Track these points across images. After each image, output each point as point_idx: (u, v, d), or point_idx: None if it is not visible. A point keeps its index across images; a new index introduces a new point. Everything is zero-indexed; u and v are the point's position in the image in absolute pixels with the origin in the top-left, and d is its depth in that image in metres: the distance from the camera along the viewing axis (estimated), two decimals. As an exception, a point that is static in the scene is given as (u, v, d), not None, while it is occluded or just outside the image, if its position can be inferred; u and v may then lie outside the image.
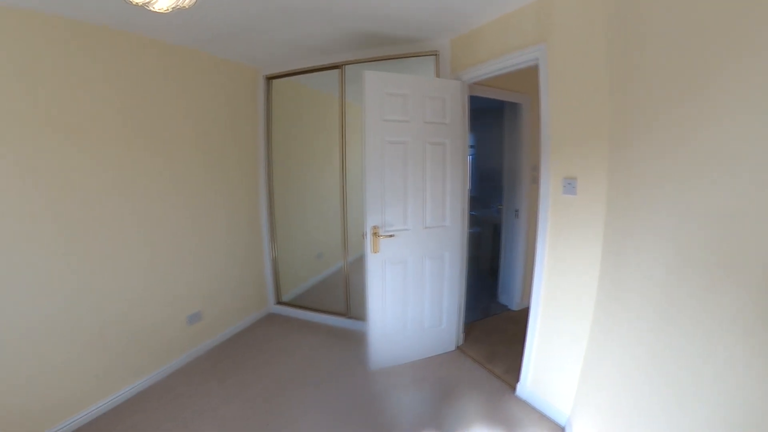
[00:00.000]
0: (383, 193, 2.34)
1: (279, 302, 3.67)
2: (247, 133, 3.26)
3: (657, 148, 1.24)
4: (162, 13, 1.28)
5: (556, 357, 2.02)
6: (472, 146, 5.88)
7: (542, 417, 2.07)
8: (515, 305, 3.46)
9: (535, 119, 3.25)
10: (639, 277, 1.33)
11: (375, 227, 2.34)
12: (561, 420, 1.98)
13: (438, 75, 2.67)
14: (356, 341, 2.95)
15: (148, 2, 1.21)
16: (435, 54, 2.70)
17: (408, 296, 2.54)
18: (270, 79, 3.36)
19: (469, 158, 6.02)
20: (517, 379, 2.30)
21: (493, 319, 3.32)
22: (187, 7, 1.30)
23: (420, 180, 2.42)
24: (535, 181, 3.30)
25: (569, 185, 1.79)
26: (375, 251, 2.36)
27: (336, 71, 3.01)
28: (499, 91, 3.06)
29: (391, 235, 2.36)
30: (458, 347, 2.84)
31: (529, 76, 3.27)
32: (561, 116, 1.85)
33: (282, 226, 3.60)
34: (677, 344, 1.12)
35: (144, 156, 2.35)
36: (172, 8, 1.26)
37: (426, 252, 2.51)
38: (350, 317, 3.25)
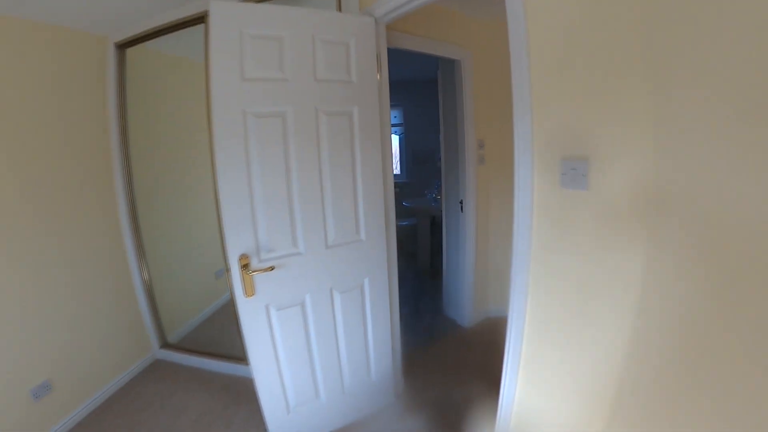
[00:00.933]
0: (252, 199, 1.42)
1: (165, 345, 2.69)
2: (95, 122, 2.25)
3: None
4: None
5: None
6: (399, 124, 5.07)
7: None
8: (466, 320, 2.75)
9: (479, 79, 2.48)
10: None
11: (244, 256, 1.43)
12: None
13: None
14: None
15: None
16: (334, -16, 1.79)
17: (314, 351, 1.68)
18: (122, 47, 2.29)
19: (397, 137, 5.29)
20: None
21: (440, 343, 2.59)
22: None
23: (313, 173, 1.52)
24: (482, 161, 2.56)
25: (573, 172, 0.98)
26: (249, 294, 1.45)
27: (201, 26, 2.04)
28: (429, 42, 2.23)
29: (270, 268, 1.45)
30: (398, 398, 2.06)
31: (469, 24, 2.51)
32: (551, 43, 1.01)
33: (156, 240, 2.59)
34: None
35: None
36: None
37: (334, 282, 1.65)
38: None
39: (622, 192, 0.88)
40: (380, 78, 1.68)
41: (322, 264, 1.58)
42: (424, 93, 4.62)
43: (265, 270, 1.44)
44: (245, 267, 1.43)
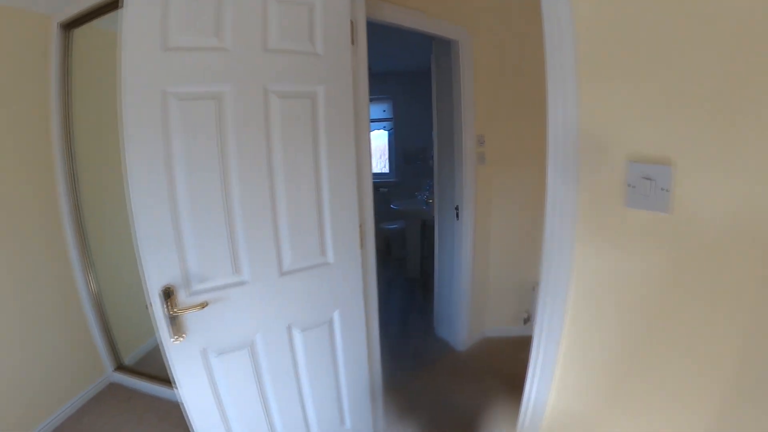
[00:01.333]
0: (176, 211, 1.04)
1: (120, 367, 2.34)
2: (34, 113, 1.91)
3: None
4: None
5: None
6: (388, 119, 4.68)
7: None
8: (461, 343, 2.41)
9: (479, 64, 2.12)
10: None
11: (169, 287, 1.05)
12: None
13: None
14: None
15: None
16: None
17: (271, 402, 1.31)
18: (68, 28, 1.92)
19: (386, 133, 4.90)
20: None
21: (431, 371, 2.24)
22: None
23: (262, 176, 1.13)
24: (483, 160, 2.20)
25: (647, 184, 0.60)
26: (177, 336, 1.08)
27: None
28: (420, 17, 1.86)
29: (203, 305, 1.08)
30: (379, 445, 1.71)
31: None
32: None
33: (107, 248, 2.25)
34: None
35: None
36: None
37: (294, 318, 1.27)
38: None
39: (734, 224, 0.52)
40: (356, 52, 1.30)
41: (276, 295, 1.21)
42: (416, 84, 4.25)
43: (196, 307, 1.06)
44: (170, 303, 1.05)
